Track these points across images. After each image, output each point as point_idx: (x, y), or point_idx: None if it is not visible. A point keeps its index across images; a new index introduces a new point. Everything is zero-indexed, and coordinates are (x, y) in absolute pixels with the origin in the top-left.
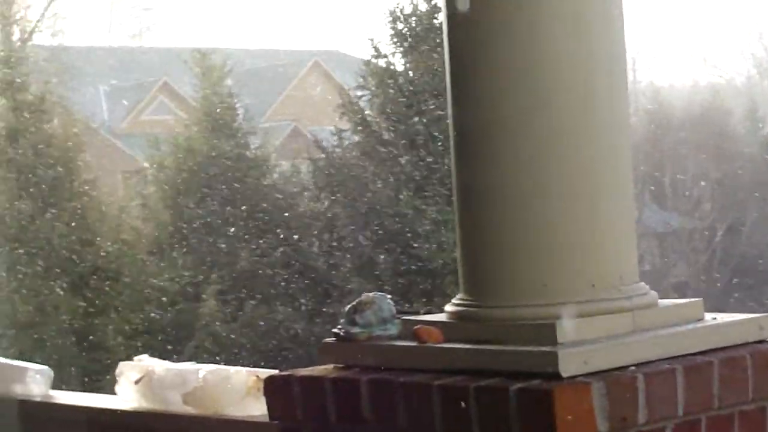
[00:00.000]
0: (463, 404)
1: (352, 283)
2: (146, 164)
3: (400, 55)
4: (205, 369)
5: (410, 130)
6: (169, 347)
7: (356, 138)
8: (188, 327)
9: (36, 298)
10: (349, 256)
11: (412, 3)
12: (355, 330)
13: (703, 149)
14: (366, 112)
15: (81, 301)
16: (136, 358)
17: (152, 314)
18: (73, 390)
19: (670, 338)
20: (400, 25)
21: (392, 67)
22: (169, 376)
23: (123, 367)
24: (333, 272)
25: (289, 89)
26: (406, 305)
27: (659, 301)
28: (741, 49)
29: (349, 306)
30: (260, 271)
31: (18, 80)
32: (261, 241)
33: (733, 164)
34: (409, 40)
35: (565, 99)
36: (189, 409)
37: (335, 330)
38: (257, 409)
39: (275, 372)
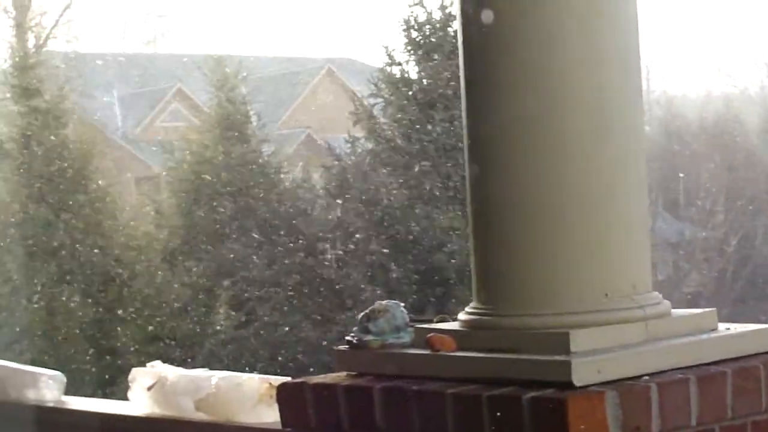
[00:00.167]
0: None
1: (365, 291)
2: (160, 170)
3: (414, 63)
4: (217, 375)
5: (424, 138)
6: (182, 354)
7: (369, 146)
8: (201, 333)
9: (49, 303)
10: (361, 263)
11: (426, 12)
12: (369, 338)
13: (717, 159)
14: (380, 120)
15: (94, 307)
16: (149, 364)
17: (165, 320)
18: (85, 396)
19: (683, 348)
20: (414, 34)
21: (406, 75)
22: (181, 382)
23: (136, 373)
24: (346, 280)
25: (303, 97)
26: (419, 313)
27: (672, 310)
28: (755, 59)
29: (362, 314)
30: (273, 279)
31: (32, 86)
32: (274, 249)
33: (746, 174)
34: (423, 48)
35: (579, 108)
36: (201, 416)
37: (348, 338)
38: (270, 416)
39: (288, 379)
